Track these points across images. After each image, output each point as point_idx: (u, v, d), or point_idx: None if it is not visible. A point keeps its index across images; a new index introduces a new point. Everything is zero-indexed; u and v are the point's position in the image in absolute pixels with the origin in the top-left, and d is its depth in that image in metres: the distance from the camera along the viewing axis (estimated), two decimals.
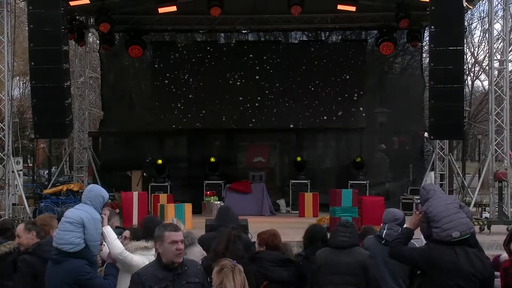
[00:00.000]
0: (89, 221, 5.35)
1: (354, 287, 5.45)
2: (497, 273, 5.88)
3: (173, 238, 4.61)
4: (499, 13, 15.26)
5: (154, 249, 5.73)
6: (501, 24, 14.60)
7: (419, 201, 5.76)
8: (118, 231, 6.93)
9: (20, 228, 6.03)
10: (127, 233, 6.07)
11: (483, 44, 29.28)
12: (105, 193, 5.63)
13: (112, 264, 5.58)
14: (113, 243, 5.54)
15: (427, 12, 13.52)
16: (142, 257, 5.57)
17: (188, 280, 4.63)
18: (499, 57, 14.61)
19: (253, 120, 19.00)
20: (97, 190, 5.63)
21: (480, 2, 17.16)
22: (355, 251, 5.60)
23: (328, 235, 6.26)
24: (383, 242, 5.87)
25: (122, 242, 5.75)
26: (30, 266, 5.70)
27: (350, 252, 5.54)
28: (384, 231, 5.95)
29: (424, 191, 5.44)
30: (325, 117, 18.98)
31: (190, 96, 19.06)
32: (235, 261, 4.37)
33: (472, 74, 30.82)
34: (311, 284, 5.59)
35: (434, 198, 5.30)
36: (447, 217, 5.09)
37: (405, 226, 5.68)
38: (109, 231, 5.60)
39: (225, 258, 4.57)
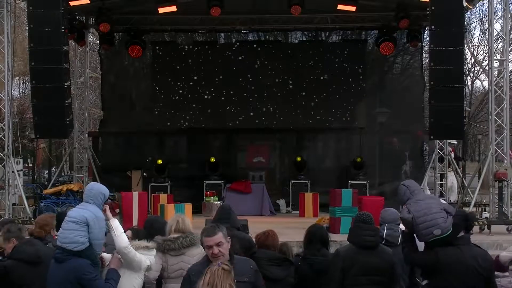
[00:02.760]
0: (93, 220, 5.38)
1: (380, 286, 5.42)
2: (497, 273, 5.90)
3: (207, 243, 4.72)
4: (499, 13, 15.25)
5: (154, 250, 5.73)
6: (501, 24, 14.60)
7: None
8: None
9: (0, 240, 6.10)
10: (128, 233, 6.08)
11: (483, 44, 29.30)
12: (105, 190, 5.67)
13: (114, 269, 5.58)
14: (120, 236, 5.57)
15: (427, 12, 13.51)
16: (143, 256, 5.58)
17: (235, 279, 4.55)
18: (499, 57, 14.60)
19: (253, 120, 18.99)
20: (97, 188, 5.67)
21: (480, 2, 17.15)
22: (381, 250, 5.51)
23: (330, 235, 6.26)
24: (383, 242, 5.86)
25: None
26: (6, 271, 5.74)
27: (375, 251, 5.45)
28: (385, 232, 5.93)
29: (407, 191, 5.46)
30: (325, 117, 18.99)
31: (190, 96, 19.06)
32: (220, 263, 4.33)
33: (472, 74, 30.84)
34: (336, 283, 5.47)
35: (415, 199, 5.36)
36: (429, 215, 5.15)
37: (402, 229, 5.67)
38: (116, 224, 5.63)
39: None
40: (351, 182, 17.65)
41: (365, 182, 17.83)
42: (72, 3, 15.20)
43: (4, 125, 14.38)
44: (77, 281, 5.25)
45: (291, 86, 18.99)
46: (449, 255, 5.08)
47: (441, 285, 5.09)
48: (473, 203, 14.44)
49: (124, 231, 6.96)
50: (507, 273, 6.05)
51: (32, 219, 13.15)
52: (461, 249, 5.10)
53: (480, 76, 31.42)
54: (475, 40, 31.89)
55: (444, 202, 6.07)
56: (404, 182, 5.66)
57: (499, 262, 5.99)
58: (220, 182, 17.93)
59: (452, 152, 18.36)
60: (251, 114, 18.99)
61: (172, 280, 5.82)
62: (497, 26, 14.70)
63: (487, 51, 18.58)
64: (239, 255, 5.30)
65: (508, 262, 6.12)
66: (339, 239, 10.16)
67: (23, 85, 32.14)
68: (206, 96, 18.98)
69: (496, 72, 14.48)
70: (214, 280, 4.14)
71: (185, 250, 5.85)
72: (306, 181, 18.03)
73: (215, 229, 4.80)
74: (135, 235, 5.92)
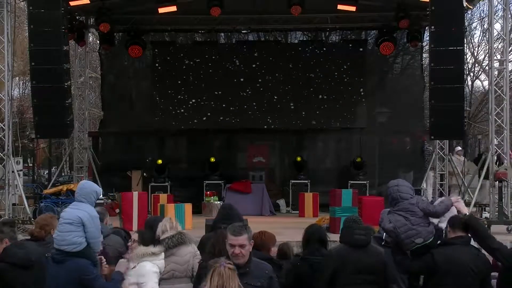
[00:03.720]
0: (88, 219, 5.35)
1: (374, 286, 5.43)
2: (495, 274, 5.90)
3: (231, 242, 4.64)
4: (499, 13, 15.26)
5: (162, 254, 5.61)
6: (501, 24, 14.60)
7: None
8: (116, 231, 6.91)
9: None
10: (135, 236, 6.00)
11: (483, 44, 29.29)
12: (97, 188, 5.63)
13: (120, 272, 5.53)
14: None
15: (427, 12, 13.52)
16: (151, 266, 5.41)
17: (248, 281, 4.58)
18: (499, 57, 14.60)
19: (253, 120, 18.98)
20: (89, 187, 5.62)
21: (480, 2, 17.15)
22: (372, 249, 5.53)
23: (328, 235, 6.24)
24: (383, 243, 5.85)
25: (130, 247, 5.72)
26: None
27: (367, 250, 5.47)
28: (384, 233, 5.92)
29: (389, 198, 5.56)
30: (325, 117, 18.98)
31: (190, 96, 19.04)
32: (225, 263, 4.32)
33: (472, 74, 30.82)
34: (324, 283, 5.47)
35: (395, 210, 5.41)
36: (410, 225, 5.28)
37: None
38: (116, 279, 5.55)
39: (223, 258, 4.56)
40: (351, 182, 17.65)
41: (365, 182, 17.83)
42: (72, 3, 15.22)
43: (4, 125, 14.37)
44: (78, 281, 5.24)
45: (290, 86, 18.97)
46: (445, 255, 5.09)
47: (438, 286, 5.11)
48: (473, 203, 14.45)
49: (126, 231, 6.96)
50: None
51: (32, 219, 13.15)
52: (457, 249, 5.11)
53: (480, 76, 31.42)
54: (475, 40, 31.90)
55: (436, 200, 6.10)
56: (390, 185, 5.66)
57: (496, 263, 5.99)
58: (220, 182, 17.93)
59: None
60: (251, 113, 18.98)
61: (165, 282, 5.81)
62: (497, 26, 14.71)
63: (487, 51, 18.58)
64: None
65: None
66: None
67: (23, 85, 32.14)
68: (206, 96, 18.96)
69: (496, 72, 14.48)
70: (224, 282, 4.12)
71: (173, 250, 5.82)
72: (306, 181, 18.02)
73: (242, 229, 4.73)
74: (142, 240, 5.76)
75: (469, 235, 5.34)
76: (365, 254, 5.43)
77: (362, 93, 19.19)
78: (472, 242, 5.42)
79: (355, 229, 5.54)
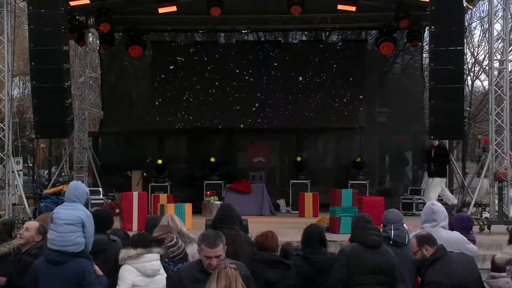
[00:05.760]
0: (87, 219, 5.39)
1: (385, 286, 5.45)
2: (494, 273, 5.92)
3: (206, 254, 4.60)
4: (499, 13, 15.25)
5: (148, 256, 5.32)
6: (501, 24, 14.59)
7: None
8: (114, 231, 6.90)
9: (34, 226, 5.99)
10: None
11: (483, 44, 29.30)
12: (88, 190, 5.84)
13: (103, 275, 5.49)
14: None
15: (427, 12, 13.52)
16: (124, 270, 5.28)
17: None
18: (499, 57, 14.59)
19: (253, 120, 18.98)
20: (83, 188, 5.74)
21: (480, 2, 17.15)
22: (384, 250, 5.56)
23: (329, 235, 6.26)
24: (391, 243, 5.85)
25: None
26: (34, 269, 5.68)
27: (380, 251, 5.50)
28: (392, 232, 5.92)
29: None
30: (325, 117, 18.96)
31: (190, 96, 19.04)
32: (229, 264, 4.32)
33: (472, 74, 30.83)
34: (340, 281, 5.49)
35: None
36: None
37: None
38: None
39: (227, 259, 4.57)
40: (351, 182, 17.63)
41: (365, 182, 17.82)
42: (72, 3, 15.20)
43: (4, 125, 14.37)
44: (79, 281, 5.24)
45: (290, 86, 18.96)
46: (446, 271, 5.16)
47: None
48: (473, 203, 14.44)
49: (125, 232, 6.95)
50: (504, 274, 6.06)
51: (32, 219, 13.14)
52: (451, 260, 5.21)
53: (480, 76, 31.43)
54: (475, 40, 31.91)
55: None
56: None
57: (495, 263, 6.02)
58: (220, 182, 17.92)
59: None
60: (251, 114, 18.97)
61: None
62: (497, 26, 14.69)
63: (487, 51, 18.58)
64: (251, 258, 5.27)
65: (503, 263, 6.13)
66: (339, 239, 10.17)
67: (23, 85, 32.18)
68: (206, 96, 18.95)
69: (496, 72, 14.46)
70: (230, 283, 4.13)
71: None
72: (306, 181, 18.00)
73: (217, 239, 4.67)
74: (130, 241, 5.54)
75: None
76: (378, 255, 5.45)
77: (362, 93, 19.17)
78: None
79: (369, 229, 5.53)
